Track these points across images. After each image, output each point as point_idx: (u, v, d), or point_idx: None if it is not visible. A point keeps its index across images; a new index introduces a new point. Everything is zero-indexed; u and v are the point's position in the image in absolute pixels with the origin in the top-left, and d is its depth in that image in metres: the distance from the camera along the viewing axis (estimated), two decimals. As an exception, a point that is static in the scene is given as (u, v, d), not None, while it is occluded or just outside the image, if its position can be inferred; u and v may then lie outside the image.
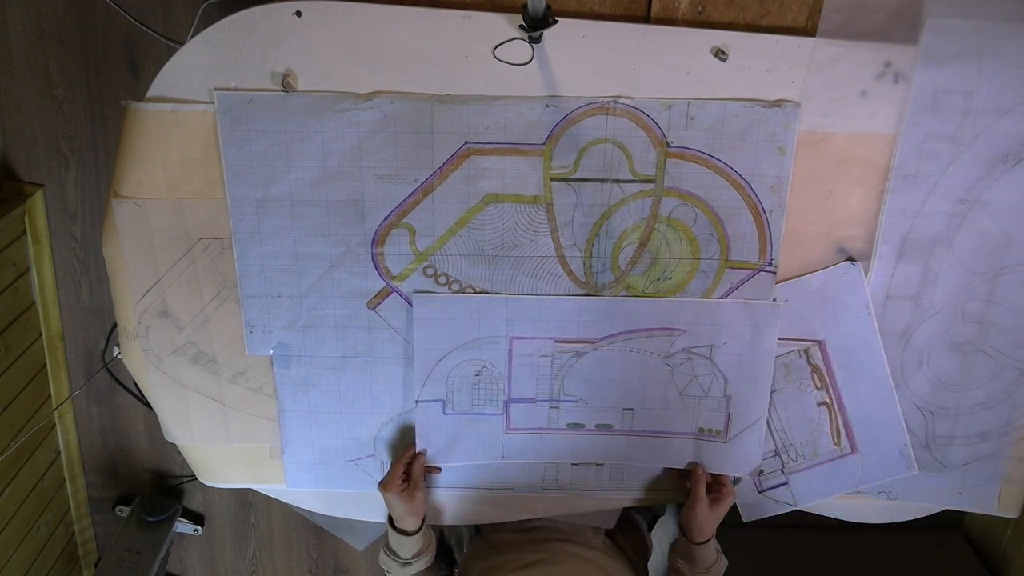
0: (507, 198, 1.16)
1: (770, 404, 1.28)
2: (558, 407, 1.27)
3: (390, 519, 1.26)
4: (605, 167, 1.14)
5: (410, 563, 1.25)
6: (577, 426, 1.28)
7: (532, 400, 1.27)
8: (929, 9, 1.09)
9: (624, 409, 1.27)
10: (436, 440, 1.28)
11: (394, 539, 1.25)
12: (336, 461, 1.32)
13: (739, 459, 1.29)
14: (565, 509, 1.34)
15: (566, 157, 1.14)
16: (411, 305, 1.21)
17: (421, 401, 1.26)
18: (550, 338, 1.23)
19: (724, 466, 1.29)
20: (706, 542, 1.23)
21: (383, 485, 1.23)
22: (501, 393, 1.27)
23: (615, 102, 1.11)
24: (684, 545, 1.24)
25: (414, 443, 1.28)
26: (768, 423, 1.29)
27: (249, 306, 1.22)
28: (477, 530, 1.42)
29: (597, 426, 1.28)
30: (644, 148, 1.13)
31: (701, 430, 1.27)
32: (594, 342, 1.23)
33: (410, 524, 1.24)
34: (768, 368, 1.24)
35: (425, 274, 1.20)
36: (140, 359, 1.27)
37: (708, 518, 1.22)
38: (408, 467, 1.26)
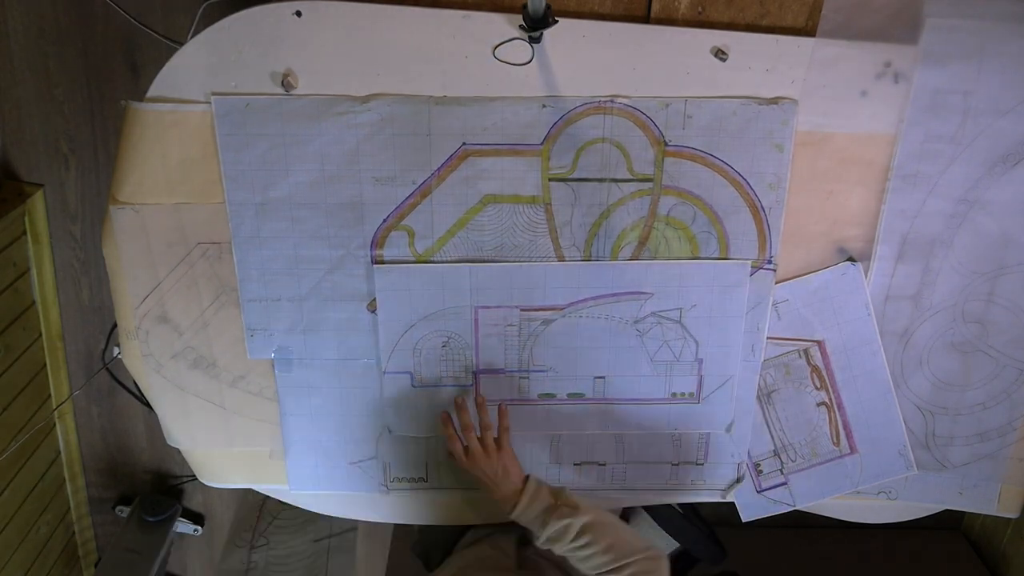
0: (505, 199, 1.16)
1: (769, 404, 1.28)
2: (527, 377, 1.26)
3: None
4: (603, 167, 1.14)
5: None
6: (549, 396, 1.27)
7: (501, 371, 1.25)
8: (929, 9, 1.09)
9: (595, 377, 1.25)
10: (405, 412, 1.27)
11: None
12: (339, 463, 1.31)
13: (713, 418, 1.29)
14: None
15: (564, 157, 1.13)
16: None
17: (388, 373, 1.25)
18: (516, 307, 1.22)
19: (700, 425, 1.28)
20: (517, 503, 1.13)
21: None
22: (469, 364, 1.25)
23: (612, 101, 1.11)
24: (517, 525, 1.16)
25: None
26: (767, 423, 1.30)
27: (249, 310, 1.22)
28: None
29: (569, 395, 1.27)
30: (642, 147, 1.13)
31: (674, 394, 1.26)
32: (560, 309, 1.22)
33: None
34: (739, 327, 1.23)
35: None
36: (140, 359, 1.27)
37: (487, 472, 1.15)
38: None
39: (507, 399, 1.26)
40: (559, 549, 1.11)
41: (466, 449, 1.18)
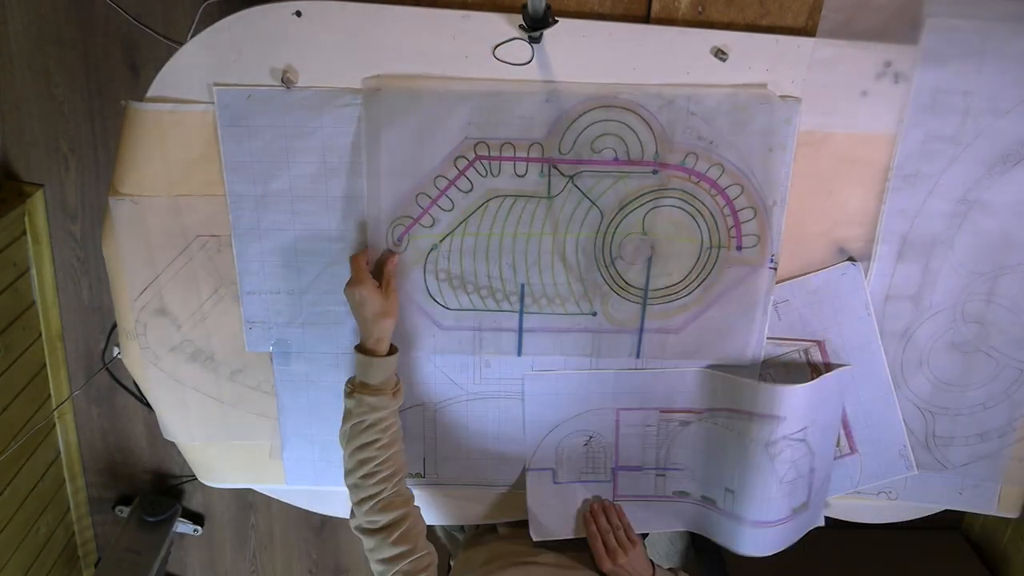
0: (507, 193, 1.16)
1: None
2: (664, 475, 1.31)
3: (359, 348, 1.14)
4: (604, 162, 1.14)
5: (398, 390, 1.15)
6: (684, 494, 1.32)
7: (639, 468, 1.31)
8: (929, 9, 1.09)
9: (726, 490, 1.28)
10: (547, 508, 1.30)
11: (374, 365, 1.12)
12: (336, 457, 1.31)
13: (814, 519, 1.34)
14: None
15: (566, 152, 1.14)
16: (413, 302, 1.21)
17: (531, 470, 1.30)
18: (655, 408, 1.26)
19: (804, 528, 1.33)
20: None
21: (353, 282, 1.12)
22: (609, 461, 1.30)
23: (614, 97, 1.11)
24: None
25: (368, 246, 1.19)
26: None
27: (248, 302, 1.22)
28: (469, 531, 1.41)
29: (703, 498, 1.31)
30: (643, 142, 1.13)
31: (794, 510, 1.29)
32: (699, 412, 1.27)
33: (386, 331, 1.13)
34: (834, 436, 1.28)
35: (425, 271, 1.20)
36: (139, 359, 1.27)
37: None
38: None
39: (643, 495, 1.32)
40: None
41: (606, 548, 1.23)
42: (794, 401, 1.20)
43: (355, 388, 1.13)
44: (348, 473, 1.14)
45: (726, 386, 1.24)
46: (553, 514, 1.30)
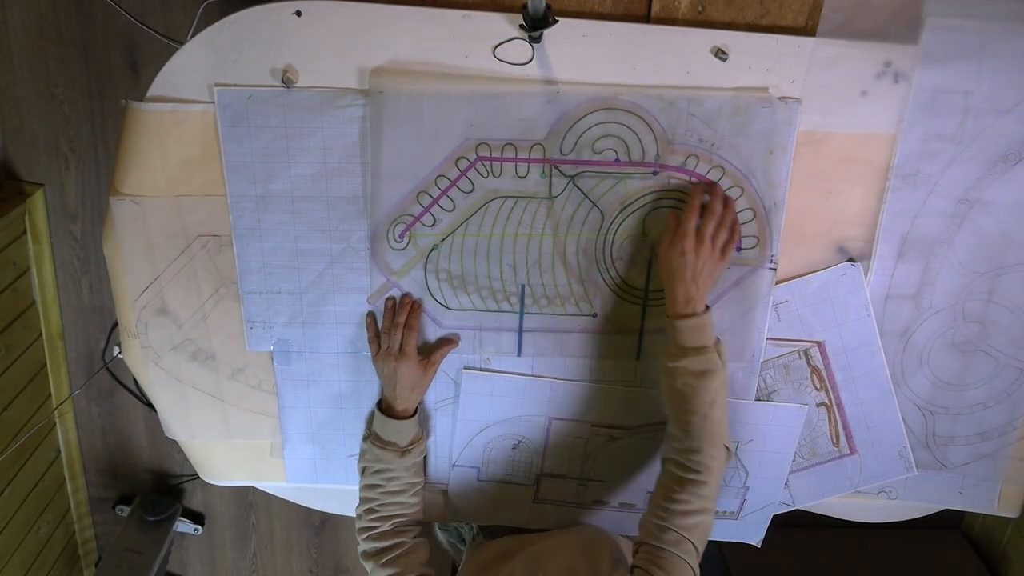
0: (508, 194, 1.16)
1: (770, 402, 1.28)
2: (586, 485, 1.32)
3: (380, 405, 1.19)
4: (605, 163, 1.14)
5: (408, 451, 1.19)
6: (601, 503, 1.33)
7: (563, 476, 1.31)
8: (929, 9, 1.09)
9: (647, 492, 1.31)
10: (466, 501, 1.32)
11: (390, 425, 1.17)
12: (336, 456, 1.32)
13: (747, 531, 1.37)
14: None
15: (566, 153, 1.14)
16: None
17: (457, 466, 1.31)
18: (587, 421, 1.27)
19: (733, 536, 1.37)
20: (696, 314, 1.08)
21: (402, 354, 1.14)
22: (535, 467, 1.31)
23: (615, 98, 1.11)
24: (670, 330, 1.10)
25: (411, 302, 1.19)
26: (768, 423, 1.30)
27: (249, 302, 1.22)
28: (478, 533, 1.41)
29: (620, 504, 1.33)
30: (644, 144, 1.13)
31: (716, 513, 1.28)
32: (629, 429, 1.27)
33: (412, 402, 1.17)
34: (787, 462, 1.30)
35: (426, 270, 1.20)
36: (141, 358, 1.27)
37: (696, 269, 1.07)
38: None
39: (562, 500, 1.33)
40: (680, 382, 1.08)
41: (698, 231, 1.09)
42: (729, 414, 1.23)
43: (369, 435, 1.21)
44: (357, 504, 1.23)
45: (661, 403, 1.24)
46: (473, 505, 1.33)
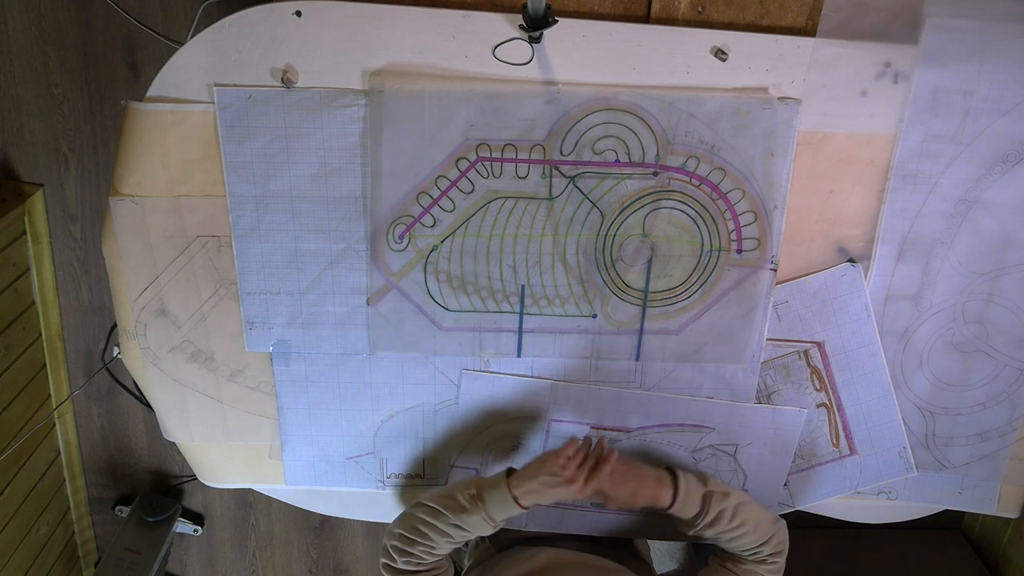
0: (508, 194, 1.16)
1: (769, 406, 1.28)
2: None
3: (511, 483, 1.13)
4: (605, 164, 1.14)
5: (497, 526, 1.15)
6: (601, 505, 1.31)
7: None
8: (929, 9, 1.09)
9: None
10: None
11: (508, 507, 1.12)
12: (336, 458, 1.32)
13: None
14: (588, 528, 1.35)
15: (567, 154, 1.14)
16: (412, 303, 1.21)
17: (456, 467, 1.31)
18: (587, 423, 1.27)
19: None
20: (671, 504, 1.14)
21: (582, 489, 1.11)
22: None
23: (616, 99, 1.11)
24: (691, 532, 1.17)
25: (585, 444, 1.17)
26: (768, 423, 1.30)
27: (248, 303, 1.22)
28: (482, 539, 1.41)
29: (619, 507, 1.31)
30: (644, 145, 1.13)
31: None
32: (628, 431, 1.27)
33: (532, 503, 1.14)
34: (785, 466, 1.30)
35: (425, 271, 1.20)
36: (139, 359, 1.27)
37: (618, 498, 1.12)
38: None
39: (562, 503, 1.30)
40: (711, 532, 1.16)
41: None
42: (727, 416, 1.25)
43: (478, 499, 1.12)
44: (402, 524, 1.16)
45: (661, 405, 1.25)
46: None
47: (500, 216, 1.17)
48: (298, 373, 1.26)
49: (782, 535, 1.18)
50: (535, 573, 1.17)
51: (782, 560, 1.17)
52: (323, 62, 1.10)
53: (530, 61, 1.09)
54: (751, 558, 1.16)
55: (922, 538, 1.91)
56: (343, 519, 2.18)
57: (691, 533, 1.18)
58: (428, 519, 1.13)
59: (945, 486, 1.35)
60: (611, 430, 1.27)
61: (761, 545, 1.15)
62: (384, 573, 1.17)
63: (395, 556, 1.14)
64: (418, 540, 1.13)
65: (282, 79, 1.10)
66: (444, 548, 1.15)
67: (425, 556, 1.14)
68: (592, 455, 1.14)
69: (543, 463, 1.13)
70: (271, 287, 1.21)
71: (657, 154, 1.14)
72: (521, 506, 1.12)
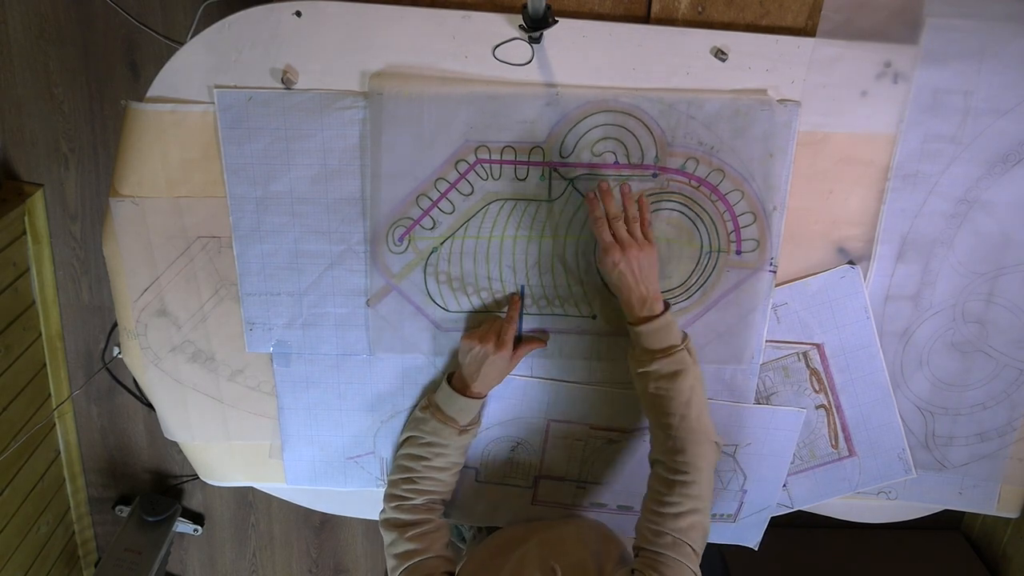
0: (507, 196, 1.16)
1: (768, 406, 1.28)
2: (584, 488, 1.32)
3: (451, 380, 1.17)
4: (605, 166, 1.14)
5: (467, 430, 1.18)
6: (600, 505, 1.33)
7: (561, 478, 1.31)
8: (929, 9, 1.09)
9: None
10: (465, 501, 1.31)
11: (458, 402, 1.15)
12: (336, 458, 1.32)
13: (744, 534, 1.38)
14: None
15: (566, 155, 1.14)
16: (412, 304, 1.21)
17: None
18: (586, 424, 1.26)
19: (731, 539, 1.38)
20: (654, 317, 1.06)
21: (499, 344, 1.13)
22: (533, 470, 1.31)
23: (615, 100, 1.11)
24: (634, 336, 1.09)
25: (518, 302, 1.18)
26: (768, 424, 1.30)
27: (249, 304, 1.22)
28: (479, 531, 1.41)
29: (618, 507, 1.33)
30: (644, 147, 1.13)
31: (714, 516, 1.32)
32: (628, 431, 1.27)
33: (488, 387, 1.16)
34: (784, 466, 1.30)
35: (425, 273, 1.20)
36: (140, 359, 1.27)
37: (635, 271, 1.06)
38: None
39: (561, 502, 1.32)
40: (653, 386, 1.08)
41: (615, 235, 1.07)
42: (727, 417, 1.25)
43: (430, 405, 1.19)
44: (391, 471, 1.22)
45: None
46: (471, 506, 1.32)
47: (500, 218, 1.17)
48: (298, 373, 1.26)
49: (712, 456, 1.06)
50: (509, 540, 1.17)
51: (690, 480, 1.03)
52: (323, 62, 1.10)
53: (530, 61, 1.09)
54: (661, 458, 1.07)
55: (922, 538, 1.91)
56: (343, 519, 2.18)
57: (640, 371, 1.09)
58: (401, 451, 1.20)
59: (945, 486, 1.35)
60: (610, 429, 1.27)
61: (677, 449, 1.04)
62: (382, 530, 1.18)
63: (386, 506, 1.18)
64: (399, 476, 1.18)
65: (282, 79, 1.10)
66: (428, 483, 1.18)
67: (411, 496, 1.17)
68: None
69: (463, 347, 1.17)
70: (271, 288, 1.21)
71: (656, 156, 1.14)
72: (467, 395, 1.16)
